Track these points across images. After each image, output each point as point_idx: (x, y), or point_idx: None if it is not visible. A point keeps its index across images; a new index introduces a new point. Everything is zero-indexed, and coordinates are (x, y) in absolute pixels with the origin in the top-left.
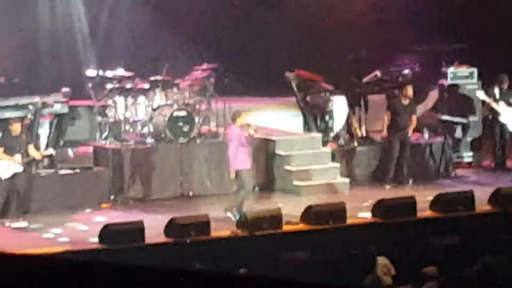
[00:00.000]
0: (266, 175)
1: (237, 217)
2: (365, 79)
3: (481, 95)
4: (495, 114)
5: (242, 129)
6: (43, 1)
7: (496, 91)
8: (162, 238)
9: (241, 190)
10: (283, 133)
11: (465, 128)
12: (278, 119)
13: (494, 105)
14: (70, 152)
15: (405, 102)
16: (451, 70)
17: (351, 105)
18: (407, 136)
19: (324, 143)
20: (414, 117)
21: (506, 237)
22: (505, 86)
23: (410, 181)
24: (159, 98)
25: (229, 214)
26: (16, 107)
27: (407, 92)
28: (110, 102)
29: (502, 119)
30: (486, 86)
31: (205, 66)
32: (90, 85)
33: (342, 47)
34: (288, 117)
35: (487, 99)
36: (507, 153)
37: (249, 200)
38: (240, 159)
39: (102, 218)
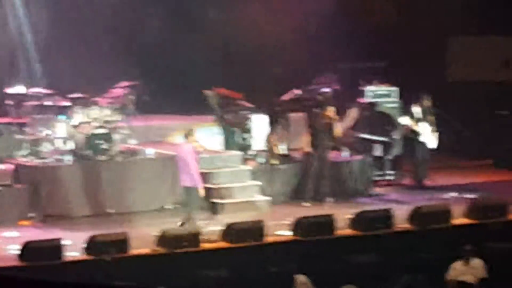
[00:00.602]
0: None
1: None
2: (284, 97)
3: (403, 120)
4: (416, 134)
5: (193, 147)
6: None
7: (417, 110)
8: (81, 256)
9: (189, 206)
10: (203, 150)
11: (385, 146)
12: (200, 137)
13: (415, 127)
14: None
15: (325, 121)
16: (370, 88)
17: (270, 123)
18: (327, 154)
19: (244, 161)
20: (334, 136)
21: (425, 255)
22: (426, 105)
23: (330, 199)
24: (79, 115)
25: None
26: None
27: (327, 112)
28: (30, 119)
29: (422, 139)
30: (407, 106)
31: (125, 83)
32: (10, 102)
33: (262, 65)
34: (211, 134)
35: (409, 123)
36: (426, 171)
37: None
38: (190, 176)
39: (21, 235)
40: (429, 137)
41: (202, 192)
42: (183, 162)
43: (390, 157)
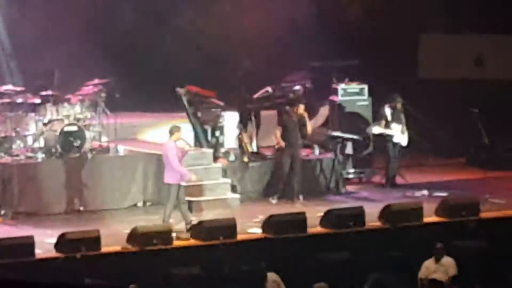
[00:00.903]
0: (156, 190)
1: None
2: (256, 95)
3: (376, 130)
4: (388, 137)
5: (175, 144)
6: None
7: (388, 111)
8: (53, 253)
9: (170, 203)
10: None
11: (356, 144)
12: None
13: (387, 131)
14: None
15: (296, 119)
16: (342, 86)
17: (242, 121)
18: (298, 152)
19: (215, 159)
20: (305, 134)
21: (396, 253)
22: (397, 105)
23: (301, 197)
24: (50, 113)
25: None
26: None
27: (298, 110)
28: (0, 117)
29: (395, 139)
30: (378, 106)
31: (96, 81)
32: None
33: (233, 63)
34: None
35: (380, 131)
36: (397, 169)
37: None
38: (173, 173)
39: None
40: (400, 136)
41: (182, 190)
42: (165, 159)
43: (361, 155)
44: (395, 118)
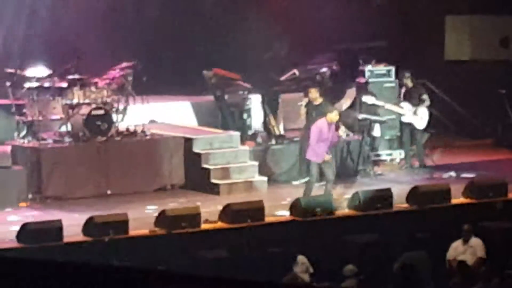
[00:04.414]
0: (184, 173)
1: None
2: (282, 78)
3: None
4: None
5: (329, 125)
6: None
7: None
8: (80, 237)
9: (310, 180)
10: (201, 131)
11: (383, 126)
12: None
13: (394, 107)
14: None
15: (316, 102)
16: (368, 68)
17: (268, 104)
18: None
19: (242, 142)
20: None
21: (423, 235)
22: (407, 82)
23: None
24: (77, 96)
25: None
26: None
27: (310, 95)
28: (28, 101)
29: (404, 119)
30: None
31: (123, 64)
32: (7, 83)
33: (259, 45)
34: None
35: (379, 103)
36: (421, 152)
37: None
38: (312, 150)
39: (20, 217)
40: (411, 117)
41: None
42: (313, 137)
43: (387, 136)
44: (408, 98)
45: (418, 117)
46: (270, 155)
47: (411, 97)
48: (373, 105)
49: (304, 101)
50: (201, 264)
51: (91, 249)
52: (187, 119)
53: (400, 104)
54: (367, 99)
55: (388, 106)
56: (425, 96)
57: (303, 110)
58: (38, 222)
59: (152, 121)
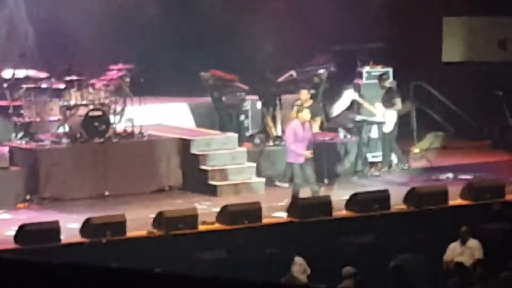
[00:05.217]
0: (181, 174)
1: None
2: (280, 79)
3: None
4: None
5: (302, 124)
6: None
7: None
8: (78, 238)
9: (294, 182)
10: (199, 132)
11: (381, 127)
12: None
13: (369, 107)
14: None
15: (306, 104)
16: (366, 69)
17: (266, 105)
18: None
19: (240, 143)
20: (318, 119)
21: (421, 236)
22: (384, 84)
23: (326, 181)
24: (74, 98)
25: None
26: None
27: (301, 96)
28: (25, 102)
29: (376, 119)
30: (402, 89)
31: (120, 66)
32: (5, 85)
33: (257, 47)
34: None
35: (360, 100)
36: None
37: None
38: (289, 152)
39: (18, 218)
40: (382, 119)
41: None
42: (289, 138)
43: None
44: (385, 99)
45: (385, 119)
46: (267, 156)
47: (385, 99)
48: (355, 101)
49: (298, 102)
50: (198, 265)
51: (89, 250)
52: (185, 121)
53: (375, 105)
54: (350, 93)
55: (366, 104)
56: (396, 100)
57: (294, 111)
58: (36, 223)
59: (149, 123)
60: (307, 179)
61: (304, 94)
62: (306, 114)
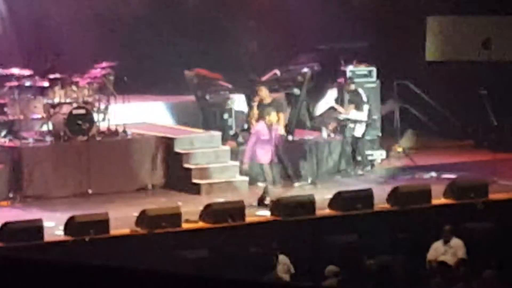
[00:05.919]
0: (165, 173)
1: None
2: (264, 78)
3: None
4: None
5: (268, 126)
6: None
7: (334, 94)
8: (61, 236)
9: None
10: (182, 131)
11: (365, 126)
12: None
13: (340, 109)
14: None
15: (266, 101)
16: (350, 68)
17: (250, 104)
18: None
19: (223, 141)
20: (280, 115)
21: (404, 235)
22: (349, 87)
23: (309, 179)
24: (58, 96)
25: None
26: None
27: (260, 93)
28: (8, 100)
29: (361, 118)
30: (386, 88)
31: (104, 64)
32: None
33: (241, 45)
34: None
35: (335, 106)
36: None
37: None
38: (260, 154)
39: (1, 216)
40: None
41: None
42: (252, 138)
43: (368, 137)
44: (352, 102)
45: (358, 125)
46: None
47: (355, 101)
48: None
49: (256, 101)
50: (181, 264)
51: (72, 248)
52: (168, 119)
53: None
54: (334, 92)
55: (336, 105)
56: (363, 107)
57: (255, 111)
58: (19, 221)
59: (133, 121)
60: (269, 180)
61: (263, 90)
62: (273, 117)
